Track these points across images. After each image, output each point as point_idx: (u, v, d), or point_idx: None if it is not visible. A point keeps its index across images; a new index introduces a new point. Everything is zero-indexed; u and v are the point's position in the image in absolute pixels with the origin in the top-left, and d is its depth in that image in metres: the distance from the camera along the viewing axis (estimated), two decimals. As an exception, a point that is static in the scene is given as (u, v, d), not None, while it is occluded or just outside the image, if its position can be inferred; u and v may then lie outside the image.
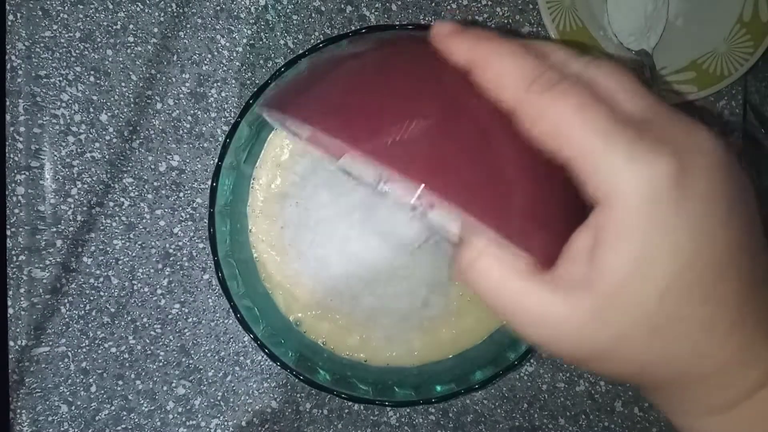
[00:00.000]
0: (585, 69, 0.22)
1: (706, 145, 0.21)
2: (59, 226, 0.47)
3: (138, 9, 0.47)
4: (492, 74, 0.22)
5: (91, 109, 0.47)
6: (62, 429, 0.48)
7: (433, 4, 0.48)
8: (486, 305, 0.23)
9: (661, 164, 0.19)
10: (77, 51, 0.47)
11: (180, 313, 0.48)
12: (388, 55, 0.25)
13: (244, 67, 0.48)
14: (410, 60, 0.24)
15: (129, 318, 0.48)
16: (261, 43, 0.48)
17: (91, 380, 0.48)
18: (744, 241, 0.21)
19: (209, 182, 0.47)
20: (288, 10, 0.48)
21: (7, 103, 0.47)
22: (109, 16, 0.47)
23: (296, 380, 0.44)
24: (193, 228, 0.48)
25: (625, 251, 0.20)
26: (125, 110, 0.48)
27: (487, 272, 0.22)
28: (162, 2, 0.47)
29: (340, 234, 0.46)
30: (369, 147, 0.21)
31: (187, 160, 0.48)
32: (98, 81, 0.47)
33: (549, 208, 0.22)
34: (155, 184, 0.48)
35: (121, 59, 0.47)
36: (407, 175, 0.21)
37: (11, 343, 0.47)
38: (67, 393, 0.48)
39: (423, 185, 0.20)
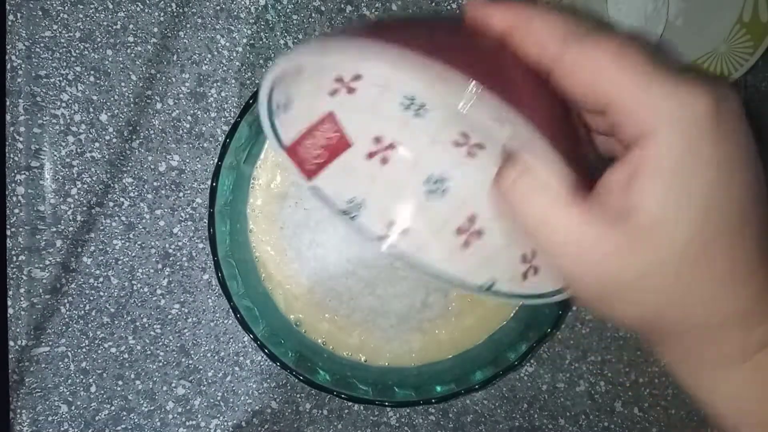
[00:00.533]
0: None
1: (731, 93, 0.21)
2: (59, 226, 0.47)
3: (138, 9, 0.47)
4: (531, 34, 0.22)
5: (91, 109, 0.47)
6: (62, 429, 0.48)
7: (433, 4, 0.48)
8: (518, 226, 0.23)
9: (701, 102, 0.20)
10: (77, 51, 0.47)
11: (180, 313, 0.48)
12: (432, 28, 0.25)
13: (244, 67, 0.48)
14: (451, 32, 0.25)
15: (129, 318, 0.48)
16: (261, 43, 0.48)
17: (91, 380, 0.48)
18: (761, 190, 0.21)
19: (209, 182, 0.47)
20: (288, 10, 0.48)
21: (7, 103, 0.47)
22: (109, 16, 0.47)
23: (296, 380, 0.44)
24: (192, 228, 0.48)
25: (664, 183, 0.20)
26: (125, 110, 0.48)
27: (528, 192, 0.22)
28: (162, 2, 0.47)
29: (339, 234, 0.46)
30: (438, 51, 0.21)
31: (187, 160, 0.48)
32: (98, 81, 0.47)
33: (582, 148, 0.24)
34: (155, 184, 0.48)
35: (121, 59, 0.47)
36: (475, 71, 0.21)
37: (11, 343, 0.47)
38: (67, 393, 0.48)
39: (489, 87, 0.21)
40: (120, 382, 0.48)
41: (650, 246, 0.21)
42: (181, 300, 0.48)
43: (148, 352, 0.48)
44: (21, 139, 0.47)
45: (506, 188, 0.23)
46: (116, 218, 0.48)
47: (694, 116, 0.20)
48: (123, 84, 0.47)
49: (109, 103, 0.47)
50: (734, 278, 0.21)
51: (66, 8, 0.47)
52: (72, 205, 0.47)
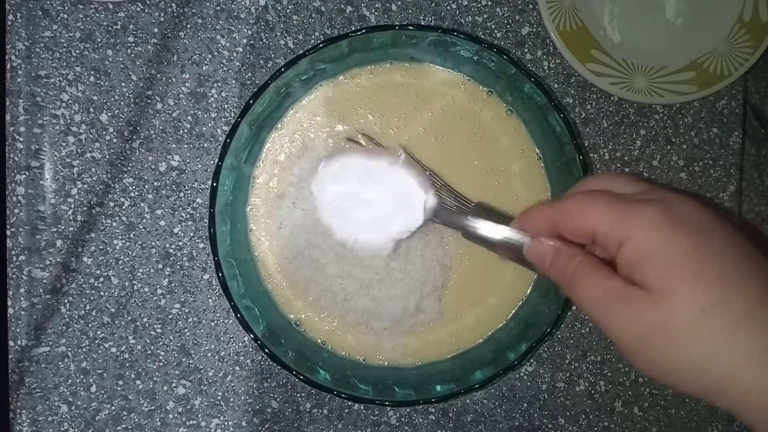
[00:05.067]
0: (594, 181, 0.33)
1: (681, 198, 0.30)
2: (59, 226, 0.47)
3: (138, 9, 0.47)
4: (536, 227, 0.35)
5: (91, 109, 0.47)
6: (62, 429, 0.48)
7: (433, 5, 0.48)
8: (577, 304, 0.31)
9: (652, 209, 0.29)
10: (77, 51, 0.47)
11: (180, 313, 0.48)
12: None
13: (244, 67, 0.48)
14: None
15: (129, 318, 0.48)
16: (261, 43, 0.48)
17: (91, 380, 0.48)
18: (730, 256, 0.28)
19: (209, 182, 0.47)
20: (288, 11, 0.48)
21: (7, 103, 0.47)
22: (109, 16, 0.47)
23: (296, 380, 0.44)
24: (193, 228, 0.48)
25: (652, 264, 0.28)
26: (125, 110, 0.48)
27: (591, 280, 0.30)
28: (162, 2, 0.47)
29: (335, 235, 0.45)
30: None
31: (188, 160, 0.48)
32: (98, 81, 0.47)
33: None
34: (155, 184, 0.48)
35: (121, 59, 0.47)
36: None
37: (11, 343, 0.47)
38: (67, 393, 0.48)
39: None
40: (120, 382, 0.48)
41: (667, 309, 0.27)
42: (182, 300, 0.48)
43: (149, 352, 0.48)
44: (21, 139, 0.47)
45: (569, 275, 0.31)
46: (117, 218, 0.48)
47: (653, 220, 0.28)
48: (123, 84, 0.48)
49: (109, 103, 0.47)
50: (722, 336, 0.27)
51: (66, 8, 0.47)
52: (72, 205, 0.47)
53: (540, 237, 0.34)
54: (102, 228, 0.48)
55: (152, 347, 0.48)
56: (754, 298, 0.27)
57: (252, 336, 0.42)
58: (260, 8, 0.48)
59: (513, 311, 0.47)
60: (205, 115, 0.48)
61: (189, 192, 0.48)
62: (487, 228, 0.40)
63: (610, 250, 0.30)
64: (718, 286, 0.27)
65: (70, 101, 0.47)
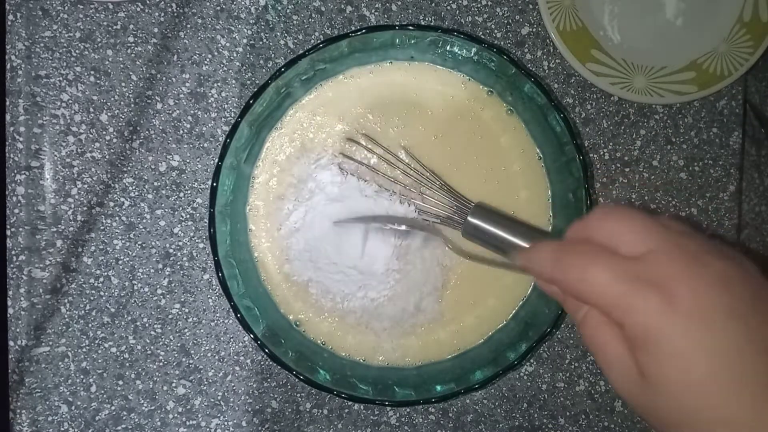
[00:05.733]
0: (597, 227, 0.29)
1: (690, 278, 0.26)
2: (59, 226, 0.47)
3: (138, 9, 0.47)
4: (531, 266, 0.31)
5: (91, 109, 0.47)
6: (62, 429, 0.48)
7: (433, 5, 0.48)
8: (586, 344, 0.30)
9: (649, 299, 0.26)
10: (77, 51, 0.47)
11: (180, 313, 0.48)
12: None
13: (244, 67, 0.48)
14: None
15: (129, 318, 0.48)
16: (261, 43, 0.48)
17: (91, 380, 0.48)
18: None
19: (209, 182, 0.47)
20: (288, 11, 0.48)
21: (7, 103, 0.47)
22: (109, 16, 0.47)
23: (296, 380, 0.44)
24: (193, 228, 0.48)
25: (652, 362, 0.27)
26: (125, 110, 0.48)
27: (600, 336, 0.29)
28: (162, 2, 0.47)
29: (335, 235, 0.45)
30: None
31: (188, 160, 0.48)
32: (98, 81, 0.47)
33: None
34: (155, 184, 0.48)
35: (121, 59, 0.47)
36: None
37: (11, 343, 0.47)
38: (67, 393, 0.48)
39: None
40: (120, 382, 0.48)
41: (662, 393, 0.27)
42: (182, 300, 0.48)
43: (149, 352, 0.48)
44: (21, 139, 0.47)
45: (580, 321, 0.30)
46: (117, 218, 0.48)
47: (646, 310, 0.26)
48: (123, 84, 0.48)
49: (109, 103, 0.47)
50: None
51: (66, 8, 0.47)
52: (72, 205, 0.47)
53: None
54: (102, 228, 0.48)
55: (152, 347, 0.48)
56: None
57: (252, 336, 0.42)
58: (260, 8, 0.48)
59: (513, 311, 0.47)
60: (205, 115, 0.48)
61: (189, 192, 0.48)
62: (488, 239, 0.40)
63: (612, 316, 0.28)
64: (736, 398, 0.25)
65: (70, 101, 0.47)
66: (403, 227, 0.44)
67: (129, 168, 0.48)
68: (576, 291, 0.28)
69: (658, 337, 0.26)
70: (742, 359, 0.25)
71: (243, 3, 0.48)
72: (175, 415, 0.48)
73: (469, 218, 0.41)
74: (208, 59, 0.48)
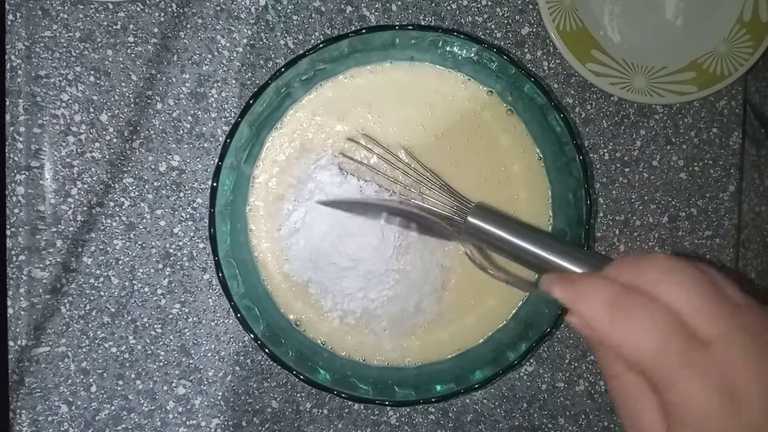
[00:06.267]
0: (657, 283, 0.26)
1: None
2: (59, 226, 0.47)
3: (138, 9, 0.47)
4: (578, 305, 0.27)
5: (91, 109, 0.47)
6: (62, 429, 0.48)
7: (433, 5, 0.48)
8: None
9: (701, 396, 0.24)
10: (77, 51, 0.47)
11: (180, 312, 0.48)
12: None
13: (244, 67, 0.48)
14: None
15: (129, 318, 0.48)
16: (261, 43, 0.48)
17: (91, 380, 0.48)
18: None
19: (209, 182, 0.47)
20: (288, 11, 0.48)
21: (7, 103, 0.47)
22: (109, 16, 0.47)
23: (296, 380, 0.44)
24: (193, 228, 0.48)
25: None
26: (125, 110, 0.48)
27: (636, 399, 0.27)
28: (162, 2, 0.47)
29: (334, 236, 0.45)
30: None
31: (188, 160, 0.48)
32: (98, 81, 0.47)
33: None
34: (155, 184, 0.48)
35: (121, 59, 0.47)
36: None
37: (11, 343, 0.47)
38: (67, 393, 0.48)
39: None
40: (120, 382, 0.48)
41: None
42: (182, 300, 0.48)
43: (149, 352, 0.48)
44: (21, 139, 0.47)
45: (612, 375, 0.27)
46: (117, 218, 0.48)
47: (698, 404, 0.24)
48: (123, 84, 0.48)
49: (109, 103, 0.47)
50: None
51: (66, 8, 0.47)
52: (72, 205, 0.47)
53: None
54: (102, 228, 0.48)
55: (152, 347, 0.48)
56: None
57: (252, 336, 0.42)
58: (260, 8, 0.48)
59: (513, 311, 0.47)
60: (205, 115, 0.48)
61: (189, 192, 0.48)
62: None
63: (654, 383, 0.26)
64: None
65: (70, 101, 0.47)
66: (414, 232, 0.44)
67: (129, 168, 0.48)
68: (623, 349, 0.26)
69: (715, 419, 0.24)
70: None
71: (243, 3, 0.48)
72: (175, 415, 0.48)
73: (469, 218, 0.41)
74: (208, 59, 0.48)
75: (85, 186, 0.47)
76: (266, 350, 0.42)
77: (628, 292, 0.26)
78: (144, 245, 0.48)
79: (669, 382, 0.25)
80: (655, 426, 0.26)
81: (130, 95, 0.48)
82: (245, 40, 0.48)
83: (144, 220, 0.48)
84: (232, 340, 0.48)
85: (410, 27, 0.42)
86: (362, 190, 0.46)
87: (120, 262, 0.48)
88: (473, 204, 0.44)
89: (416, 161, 0.46)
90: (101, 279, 0.48)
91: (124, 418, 0.48)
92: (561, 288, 0.28)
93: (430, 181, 0.45)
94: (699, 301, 0.25)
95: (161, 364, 0.48)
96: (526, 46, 0.49)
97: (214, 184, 0.42)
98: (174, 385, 0.48)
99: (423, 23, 0.48)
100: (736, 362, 0.24)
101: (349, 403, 0.49)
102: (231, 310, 0.42)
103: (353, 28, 0.48)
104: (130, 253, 0.48)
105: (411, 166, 0.46)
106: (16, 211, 0.47)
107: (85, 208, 0.47)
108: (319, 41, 0.45)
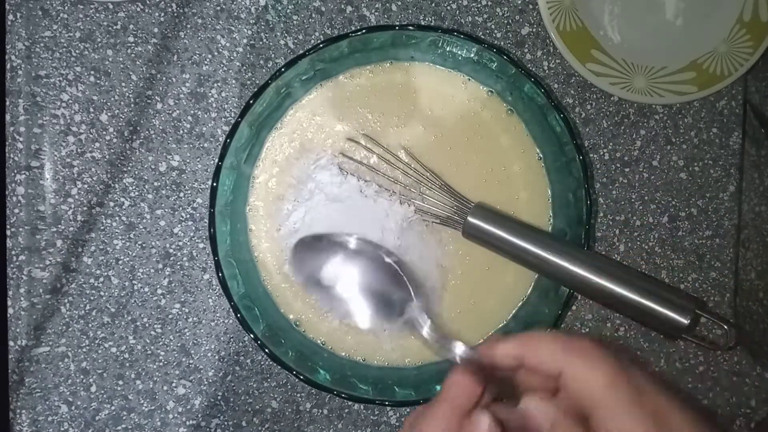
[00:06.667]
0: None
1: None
2: (59, 226, 0.47)
3: (138, 9, 0.47)
4: (536, 355, 0.30)
5: (91, 109, 0.47)
6: (62, 429, 0.48)
7: (433, 5, 0.48)
8: None
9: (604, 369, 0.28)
10: (77, 51, 0.47)
11: (180, 312, 0.48)
12: None
13: (244, 68, 0.48)
14: None
15: (129, 318, 0.48)
16: (261, 43, 0.48)
17: (91, 380, 0.48)
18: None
19: (209, 182, 0.47)
20: (288, 11, 0.48)
21: (7, 103, 0.47)
22: (109, 16, 0.47)
23: (296, 380, 0.44)
24: (193, 228, 0.48)
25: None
26: (125, 110, 0.48)
27: None
28: (162, 2, 0.47)
29: (334, 235, 0.45)
30: None
31: (188, 160, 0.48)
32: (98, 81, 0.47)
33: None
34: (155, 184, 0.48)
35: (121, 59, 0.47)
36: None
37: (11, 343, 0.47)
38: (67, 393, 0.48)
39: None
40: (120, 382, 0.48)
41: None
42: (182, 300, 0.48)
43: (149, 352, 0.48)
44: (21, 139, 0.47)
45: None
46: (117, 218, 0.48)
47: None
48: (123, 84, 0.48)
49: (109, 103, 0.47)
50: None
51: (66, 8, 0.47)
52: (72, 205, 0.47)
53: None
54: (102, 228, 0.48)
55: (152, 347, 0.48)
56: None
57: (252, 336, 0.42)
58: (260, 8, 0.48)
59: (513, 311, 0.47)
60: (205, 115, 0.48)
61: (189, 192, 0.48)
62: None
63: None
64: None
65: (70, 101, 0.47)
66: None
67: (129, 168, 0.48)
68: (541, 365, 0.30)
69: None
70: None
71: (243, 3, 0.48)
72: (175, 415, 0.48)
73: (469, 218, 0.41)
74: (208, 59, 0.48)
75: (85, 186, 0.47)
76: (266, 350, 0.42)
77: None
78: (144, 245, 0.48)
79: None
80: None
81: (130, 95, 0.48)
82: (245, 40, 0.48)
83: (144, 220, 0.48)
84: (232, 340, 0.48)
85: (410, 27, 0.42)
86: (362, 190, 0.46)
87: (120, 262, 0.48)
88: (473, 204, 0.44)
89: (416, 161, 0.46)
90: (101, 279, 0.48)
91: (124, 418, 0.48)
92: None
93: (430, 181, 0.45)
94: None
95: (161, 364, 0.48)
96: (526, 46, 0.49)
97: (214, 184, 0.42)
98: (174, 385, 0.48)
99: (423, 23, 0.48)
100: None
101: (349, 403, 0.48)
102: (231, 310, 0.42)
103: (353, 28, 0.48)
104: (130, 253, 0.48)
105: (411, 166, 0.46)
106: (16, 211, 0.47)
107: (85, 208, 0.47)
108: (319, 41, 0.45)
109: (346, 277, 0.41)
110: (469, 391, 0.30)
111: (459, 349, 0.32)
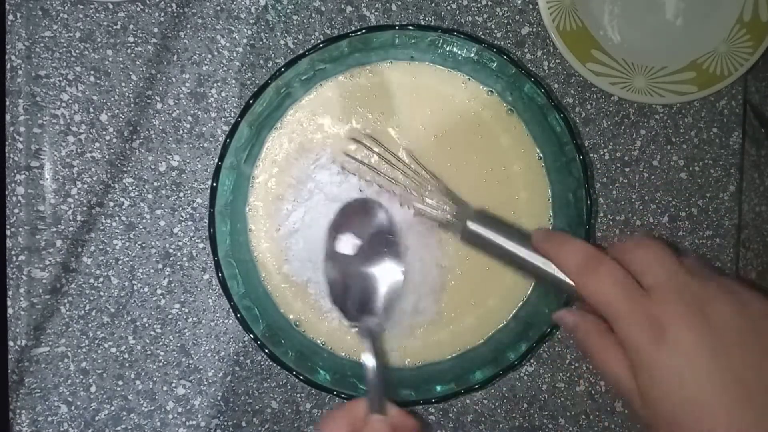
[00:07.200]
0: (626, 251, 0.34)
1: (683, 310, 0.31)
2: (59, 226, 0.47)
3: (138, 9, 0.47)
4: (559, 260, 0.36)
5: (91, 109, 0.47)
6: (62, 429, 0.48)
7: (433, 5, 0.48)
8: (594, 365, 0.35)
9: (643, 331, 0.31)
10: (77, 51, 0.47)
11: (180, 313, 0.48)
12: None
13: (244, 67, 0.48)
14: None
15: (129, 318, 0.48)
16: (261, 43, 0.48)
17: (91, 380, 0.48)
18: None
19: (209, 182, 0.47)
20: (288, 11, 0.48)
21: (7, 103, 0.47)
22: (109, 16, 0.47)
23: (296, 380, 0.44)
24: (193, 228, 0.48)
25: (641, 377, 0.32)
26: (125, 110, 0.48)
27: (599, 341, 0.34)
28: (162, 2, 0.47)
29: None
30: None
31: (187, 160, 0.48)
32: (98, 81, 0.47)
33: None
34: (155, 184, 0.48)
35: (121, 59, 0.47)
36: None
37: (11, 343, 0.47)
38: (67, 393, 0.48)
39: None
40: (120, 382, 0.48)
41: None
42: (182, 300, 0.48)
43: (149, 352, 0.48)
44: (21, 139, 0.47)
45: (581, 338, 0.35)
46: (116, 218, 0.48)
47: (640, 341, 0.31)
48: (123, 84, 0.48)
49: (109, 103, 0.47)
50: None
51: (66, 8, 0.47)
52: (72, 205, 0.47)
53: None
54: (102, 228, 0.48)
55: (152, 347, 0.48)
56: None
57: (252, 336, 0.42)
58: (260, 8, 0.48)
59: (513, 311, 0.47)
60: (205, 115, 0.48)
61: (189, 192, 0.48)
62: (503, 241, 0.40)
63: (614, 329, 0.33)
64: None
65: (70, 101, 0.47)
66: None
67: (129, 168, 0.48)
68: (588, 298, 0.34)
69: (649, 365, 0.31)
70: (717, 385, 0.30)
71: (243, 3, 0.48)
72: (175, 415, 0.48)
73: (468, 224, 0.41)
74: (208, 59, 0.48)
75: (85, 186, 0.47)
76: (266, 350, 0.42)
77: (598, 255, 0.34)
78: (144, 245, 0.48)
79: (616, 322, 0.32)
80: (624, 374, 0.32)
81: (130, 95, 0.48)
82: (245, 40, 0.48)
83: (144, 220, 0.48)
84: (232, 340, 0.48)
85: (410, 27, 0.42)
86: (362, 190, 0.46)
87: (120, 262, 0.48)
88: (473, 209, 0.44)
89: (416, 162, 0.46)
90: (101, 279, 0.48)
91: (124, 418, 0.48)
92: (546, 243, 0.37)
93: (430, 183, 0.45)
94: (653, 262, 0.33)
95: (161, 364, 0.48)
96: (526, 46, 0.49)
97: (214, 184, 0.42)
98: (174, 385, 0.48)
99: (423, 23, 0.48)
100: (665, 304, 0.31)
101: (349, 403, 0.48)
102: (231, 310, 0.42)
103: (353, 28, 0.48)
104: (130, 253, 0.48)
105: (411, 167, 0.46)
106: (16, 211, 0.47)
107: (85, 208, 0.47)
108: (319, 41, 0.45)
109: (355, 257, 0.44)
110: (361, 409, 0.37)
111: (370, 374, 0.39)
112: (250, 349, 0.48)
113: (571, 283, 0.36)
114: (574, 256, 0.35)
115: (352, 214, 0.44)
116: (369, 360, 0.39)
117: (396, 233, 0.44)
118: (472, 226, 0.41)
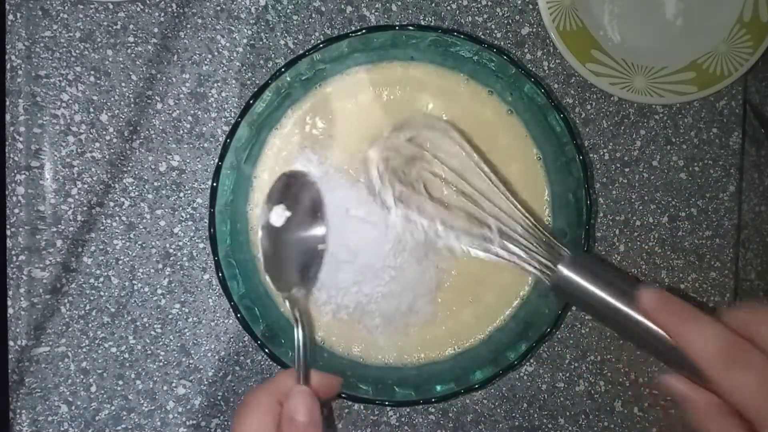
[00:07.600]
0: (753, 322, 0.29)
1: None
2: (59, 226, 0.47)
3: (138, 9, 0.47)
4: (691, 343, 0.30)
5: (91, 109, 0.47)
6: (62, 429, 0.48)
7: (433, 5, 0.48)
8: None
9: None
10: (77, 51, 0.47)
11: (180, 312, 0.48)
12: None
13: (244, 68, 0.48)
14: None
15: (129, 318, 0.48)
16: (261, 43, 0.48)
17: (91, 380, 0.48)
18: None
19: (209, 182, 0.47)
20: (288, 11, 0.48)
21: (7, 103, 0.47)
22: (109, 16, 0.47)
23: (296, 380, 0.44)
24: (193, 228, 0.48)
25: None
26: (125, 110, 0.48)
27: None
28: (162, 2, 0.47)
29: (331, 232, 0.45)
30: None
31: (188, 160, 0.48)
32: (98, 81, 0.47)
33: None
34: (155, 184, 0.48)
35: (121, 59, 0.47)
36: None
37: (11, 343, 0.47)
38: (67, 393, 0.48)
39: None
40: (120, 382, 0.48)
41: None
42: (182, 300, 0.48)
43: (149, 352, 0.48)
44: (21, 139, 0.47)
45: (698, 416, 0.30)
46: (117, 218, 0.48)
47: None
48: (123, 84, 0.48)
49: (109, 103, 0.47)
50: None
51: (66, 8, 0.47)
52: (72, 205, 0.47)
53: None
54: (102, 228, 0.48)
55: (152, 347, 0.48)
56: None
57: (252, 336, 0.42)
58: (260, 8, 0.48)
59: (513, 311, 0.47)
60: (205, 115, 0.48)
61: (189, 192, 0.48)
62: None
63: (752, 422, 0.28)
64: None
65: (70, 101, 0.47)
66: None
67: (129, 168, 0.48)
68: (732, 396, 0.28)
69: None
70: None
71: (243, 3, 0.48)
72: (175, 415, 0.48)
73: (561, 268, 0.34)
74: (208, 59, 0.48)
75: (85, 186, 0.47)
76: (266, 350, 0.42)
77: (742, 344, 0.29)
78: (144, 245, 0.48)
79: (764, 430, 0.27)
80: None
81: (130, 95, 0.48)
82: (245, 40, 0.48)
83: (144, 220, 0.48)
84: (232, 340, 0.48)
85: (410, 27, 0.42)
86: (355, 184, 0.45)
87: (120, 262, 0.48)
88: (566, 252, 0.36)
89: (466, 181, 0.41)
90: (101, 279, 0.48)
91: (124, 418, 0.48)
92: (666, 315, 0.31)
93: (520, 224, 0.37)
94: None
95: (161, 364, 0.48)
96: (526, 46, 0.49)
97: (214, 184, 0.42)
98: (174, 385, 0.48)
99: (423, 23, 0.48)
100: None
101: (349, 403, 0.49)
102: (231, 310, 0.42)
103: (353, 28, 0.48)
104: (130, 253, 0.48)
105: (501, 205, 0.40)
106: (16, 211, 0.47)
107: (85, 208, 0.47)
108: (319, 41, 0.45)
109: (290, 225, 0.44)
110: (288, 381, 0.37)
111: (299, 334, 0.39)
112: (250, 349, 0.48)
113: (700, 368, 0.30)
114: (713, 341, 0.29)
115: (284, 187, 0.44)
116: (296, 330, 0.40)
117: (322, 205, 0.45)
118: (567, 272, 0.34)
